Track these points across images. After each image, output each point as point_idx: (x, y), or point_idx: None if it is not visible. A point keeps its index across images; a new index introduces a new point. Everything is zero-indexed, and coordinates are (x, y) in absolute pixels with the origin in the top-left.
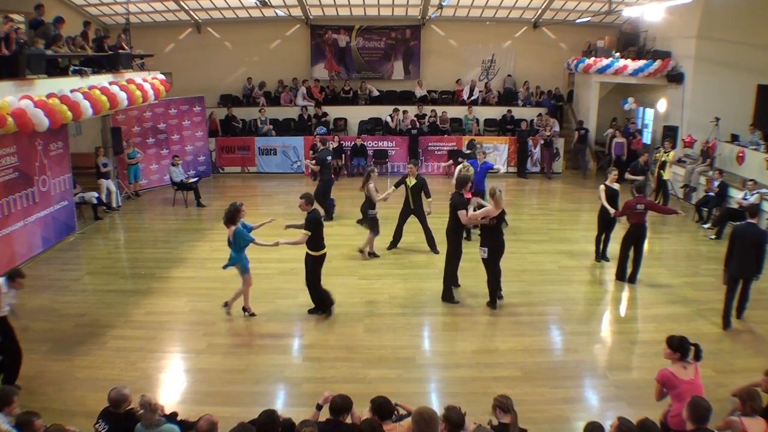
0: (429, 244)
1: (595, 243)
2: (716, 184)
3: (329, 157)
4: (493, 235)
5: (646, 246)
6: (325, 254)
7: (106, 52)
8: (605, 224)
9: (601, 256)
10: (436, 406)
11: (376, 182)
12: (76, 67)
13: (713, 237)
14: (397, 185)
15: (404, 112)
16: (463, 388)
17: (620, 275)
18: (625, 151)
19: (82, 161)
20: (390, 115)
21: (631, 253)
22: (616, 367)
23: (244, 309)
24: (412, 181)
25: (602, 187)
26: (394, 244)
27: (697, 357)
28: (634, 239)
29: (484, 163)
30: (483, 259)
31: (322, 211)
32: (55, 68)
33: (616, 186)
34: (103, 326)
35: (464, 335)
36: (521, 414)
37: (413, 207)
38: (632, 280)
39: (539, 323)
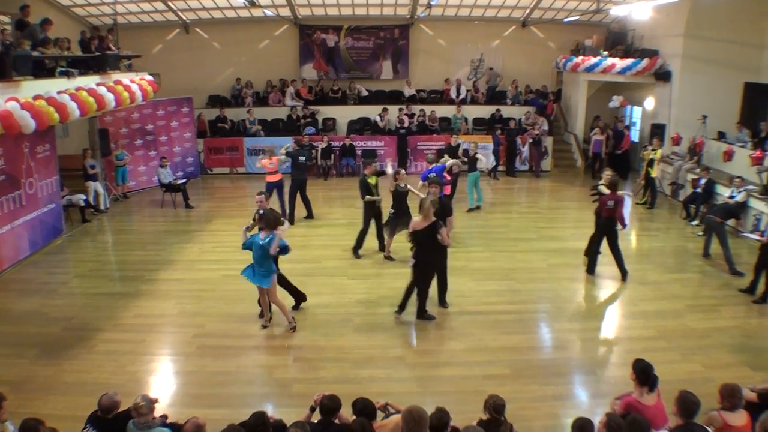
0: (378, 239)
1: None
2: (703, 181)
3: (302, 158)
4: (423, 249)
5: (632, 243)
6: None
7: (93, 53)
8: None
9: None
10: (427, 405)
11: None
12: (63, 69)
13: (701, 233)
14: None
15: (400, 109)
16: (453, 386)
17: (591, 269)
18: (603, 148)
19: (70, 163)
20: (379, 115)
21: (607, 250)
22: (605, 363)
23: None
24: (374, 180)
25: (602, 187)
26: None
27: (652, 387)
28: (605, 232)
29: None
30: (413, 268)
31: (305, 212)
32: (42, 70)
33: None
34: (91, 330)
35: (454, 334)
36: (512, 411)
37: (379, 204)
38: (624, 277)
39: (529, 321)
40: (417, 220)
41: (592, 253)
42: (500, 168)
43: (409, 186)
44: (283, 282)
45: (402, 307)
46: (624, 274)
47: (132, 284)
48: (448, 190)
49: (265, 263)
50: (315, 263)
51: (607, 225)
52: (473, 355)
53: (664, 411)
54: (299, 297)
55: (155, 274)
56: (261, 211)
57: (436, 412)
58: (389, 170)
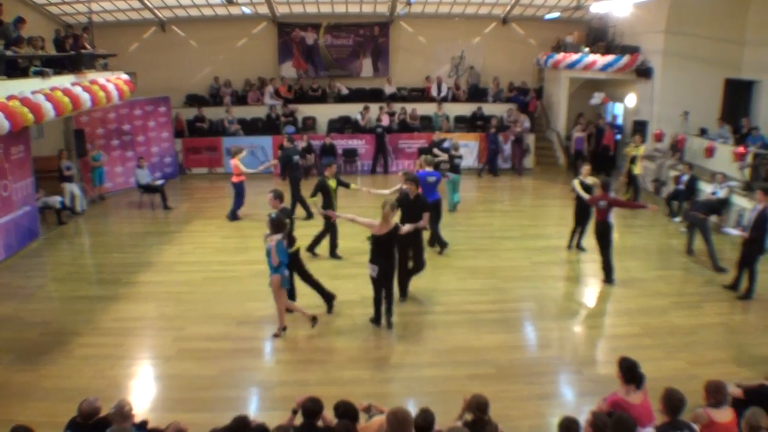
0: (331, 247)
1: (569, 234)
2: (685, 177)
3: (296, 156)
4: (384, 252)
5: (615, 240)
6: (297, 249)
7: (68, 52)
8: (581, 217)
9: (577, 246)
10: (411, 406)
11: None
12: (37, 68)
13: (684, 230)
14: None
15: (381, 107)
16: (438, 387)
17: (609, 276)
18: (585, 145)
19: (45, 165)
20: (360, 113)
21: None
22: (590, 362)
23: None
24: (333, 183)
25: (576, 181)
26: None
27: (639, 385)
28: (597, 237)
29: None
30: (371, 277)
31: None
32: (15, 69)
33: (589, 180)
34: (69, 334)
35: (438, 334)
36: (497, 411)
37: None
38: (608, 280)
39: (513, 320)
40: (375, 223)
41: (607, 261)
42: (482, 165)
43: (372, 190)
44: (310, 282)
45: (380, 320)
46: (608, 276)
47: (110, 287)
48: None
49: (277, 270)
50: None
51: (599, 228)
52: (457, 355)
53: (650, 409)
54: (328, 297)
55: (134, 276)
56: (272, 215)
57: (420, 413)
58: (355, 184)
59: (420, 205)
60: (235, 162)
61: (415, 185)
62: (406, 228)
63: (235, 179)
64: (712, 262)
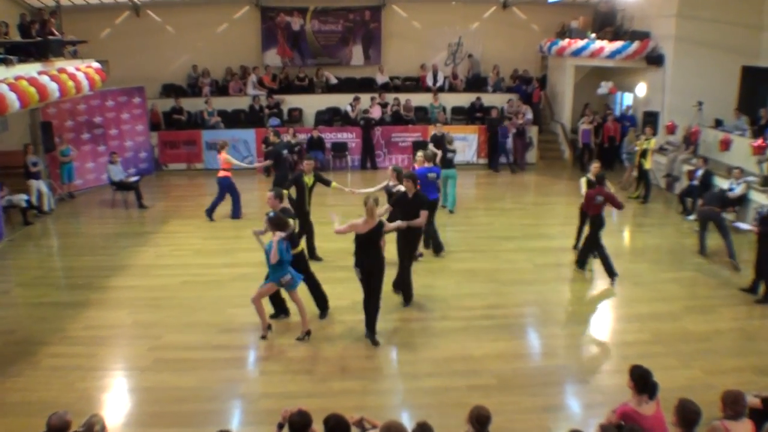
0: (308, 251)
1: (576, 233)
2: (700, 172)
3: (285, 151)
4: (367, 252)
5: (624, 240)
6: (301, 250)
7: (34, 39)
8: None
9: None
10: (406, 419)
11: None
12: (1, 56)
13: (698, 229)
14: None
15: (372, 98)
16: (435, 399)
17: (610, 272)
18: (592, 138)
19: (9, 160)
20: (350, 104)
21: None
22: (598, 371)
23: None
24: (310, 180)
25: (583, 179)
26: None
27: (652, 395)
28: (593, 230)
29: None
30: (360, 279)
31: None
32: None
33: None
34: (36, 343)
35: (435, 342)
36: (498, 424)
37: (308, 209)
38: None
39: (515, 327)
40: (358, 222)
41: (603, 257)
42: (482, 161)
43: (355, 191)
44: (311, 283)
45: (373, 333)
46: (611, 274)
47: (80, 293)
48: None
49: (277, 270)
50: None
51: (594, 222)
52: (456, 364)
53: (663, 421)
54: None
55: (106, 281)
56: (270, 213)
57: (417, 427)
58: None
59: (419, 203)
60: (224, 156)
61: (413, 183)
62: (395, 225)
63: (222, 174)
64: (729, 254)
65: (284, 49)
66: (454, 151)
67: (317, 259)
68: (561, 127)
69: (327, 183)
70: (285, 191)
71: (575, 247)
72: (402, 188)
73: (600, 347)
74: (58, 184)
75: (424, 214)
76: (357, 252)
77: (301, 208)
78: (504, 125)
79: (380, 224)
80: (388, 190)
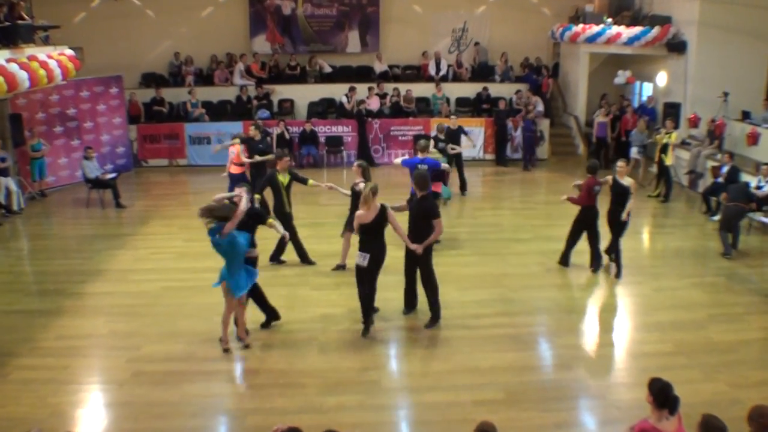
0: (299, 256)
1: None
2: (725, 169)
3: (261, 146)
4: (374, 239)
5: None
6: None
7: (2, 23)
8: (613, 221)
9: (606, 252)
10: None
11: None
12: None
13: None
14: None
15: (369, 88)
16: (438, 415)
17: (565, 261)
18: (608, 132)
19: None
20: (346, 95)
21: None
22: (615, 384)
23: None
24: (285, 178)
25: (609, 177)
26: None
27: (673, 410)
28: (587, 223)
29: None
30: (361, 268)
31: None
32: None
33: (626, 182)
34: (4, 355)
35: (438, 353)
36: None
37: (290, 210)
38: (596, 267)
39: (524, 336)
40: (360, 212)
41: (569, 245)
42: (488, 156)
43: (332, 185)
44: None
45: (368, 326)
46: (599, 266)
47: (53, 300)
48: (438, 187)
49: (233, 267)
50: (271, 271)
51: (589, 214)
52: (460, 377)
53: None
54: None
55: (81, 286)
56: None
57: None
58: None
59: (426, 209)
60: (237, 148)
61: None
62: (400, 205)
63: (234, 170)
64: (723, 247)
65: (274, 35)
66: (444, 141)
67: (310, 262)
68: (574, 120)
69: (304, 181)
70: (258, 195)
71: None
72: (362, 185)
73: (617, 358)
74: (29, 181)
75: (437, 224)
76: (362, 240)
77: (280, 211)
78: (528, 120)
79: (383, 209)
80: (352, 188)
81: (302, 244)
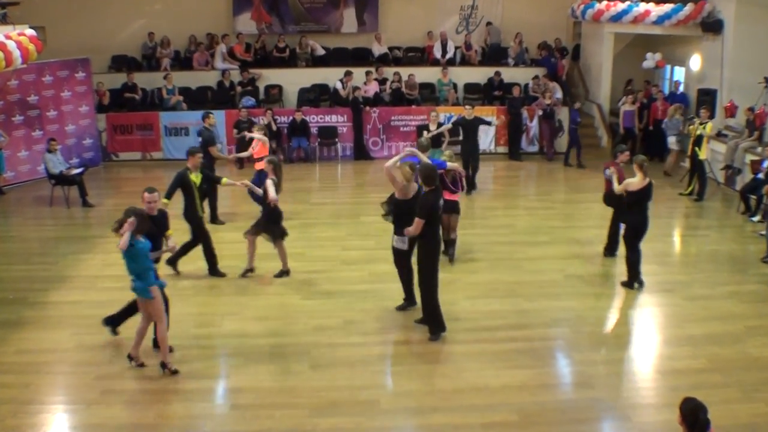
0: (209, 265)
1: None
2: (766, 164)
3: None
4: (411, 221)
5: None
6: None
7: None
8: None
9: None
10: None
11: None
12: None
13: (763, 233)
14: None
15: (367, 73)
16: None
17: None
18: (636, 122)
19: None
20: (341, 81)
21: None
22: (641, 405)
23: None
24: (198, 178)
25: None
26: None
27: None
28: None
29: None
30: (400, 251)
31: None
32: None
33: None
34: None
35: (443, 369)
36: None
37: (202, 213)
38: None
39: (541, 351)
40: (400, 184)
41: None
42: (501, 149)
43: (247, 183)
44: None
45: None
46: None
47: (12, 310)
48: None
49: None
50: (256, 278)
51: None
52: (469, 396)
53: None
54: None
55: (44, 295)
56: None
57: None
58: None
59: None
60: (262, 137)
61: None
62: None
63: (260, 166)
64: None
65: (260, 13)
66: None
67: (219, 274)
68: (597, 108)
69: (217, 180)
70: (166, 200)
71: (613, 254)
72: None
73: (643, 376)
74: None
75: (418, 223)
76: (397, 222)
77: (192, 214)
78: (575, 109)
79: (419, 191)
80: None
81: (215, 251)
